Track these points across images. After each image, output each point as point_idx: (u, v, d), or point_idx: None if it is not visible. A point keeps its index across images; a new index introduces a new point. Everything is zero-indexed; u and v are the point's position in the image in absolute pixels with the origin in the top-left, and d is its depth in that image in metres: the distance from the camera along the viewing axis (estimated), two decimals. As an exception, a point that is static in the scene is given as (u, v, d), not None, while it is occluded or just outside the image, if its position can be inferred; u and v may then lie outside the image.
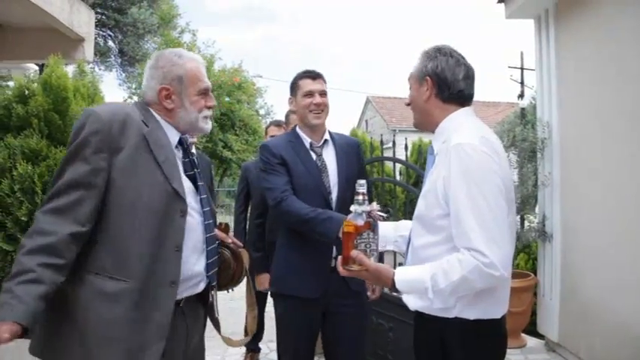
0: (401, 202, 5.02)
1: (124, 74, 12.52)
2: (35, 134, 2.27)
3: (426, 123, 1.69)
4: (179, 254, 1.48)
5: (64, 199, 1.38)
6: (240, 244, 1.80)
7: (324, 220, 2.08)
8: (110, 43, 12.06)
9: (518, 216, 4.69)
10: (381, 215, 1.60)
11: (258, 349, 3.88)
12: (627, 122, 3.10)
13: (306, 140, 2.33)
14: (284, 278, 2.29)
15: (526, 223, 4.54)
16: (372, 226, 1.52)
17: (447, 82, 1.59)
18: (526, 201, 4.20)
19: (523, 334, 4.19)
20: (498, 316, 1.55)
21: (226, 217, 10.24)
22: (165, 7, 12.19)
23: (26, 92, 2.42)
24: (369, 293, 2.20)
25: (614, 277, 3.20)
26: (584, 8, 3.58)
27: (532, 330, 4.22)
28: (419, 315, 1.59)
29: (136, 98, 12.24)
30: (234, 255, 1.77)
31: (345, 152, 2.36)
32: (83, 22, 3.30)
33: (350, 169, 2.31)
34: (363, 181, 1.55)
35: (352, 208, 1.52)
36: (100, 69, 12.11)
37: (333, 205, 2.24)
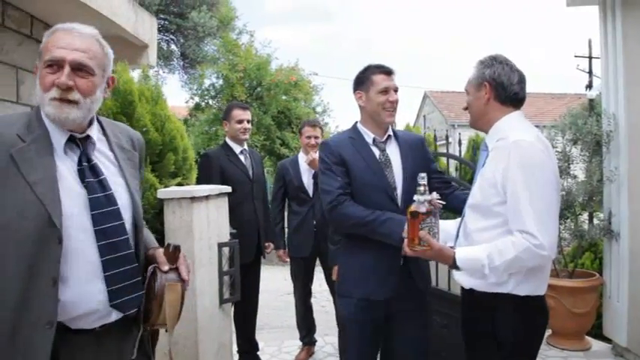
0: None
1: (185, 76, 13.03)
2: (105, 136, 2.45)
3: (482, 123, 1.90)
4: (55, 289, 1.22)
5: None
6: (185, 275, 1.44)
7: (385, 222, 2.07)
8: (172, 46, 12.61)
9: (586, 213, 4.49)
10: (440, 203, 1.80)
11: (314, 342, 3.97)
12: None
13: (369, 136, 2.26)
14: (352, 280, 2.25)
15: (594, 221, 4.32)
16: (433, 213, 1.75)
17: (503, 86, 1.81)
18: (591, 197, 4.02)
19: (587, 337, 4.02)
20: (542, 293, 1.78)
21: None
22: (224, 9, 12.56)
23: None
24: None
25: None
26: (654, -7, 3.37)
27: (598, 333, 4.04)
28: (469, 294, 1.84)
29: (197, 99, 12.73)
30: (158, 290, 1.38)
31: (410, 148, 2.29)
32: (147, 29, 3.51)
33: (416, 165, 2.22)
34: (423, 174, 1.80)
35: (415, 197, 1.76)
36: (163, 72, 12.68)
37: (399, 201, 2.18)
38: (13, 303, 1.19)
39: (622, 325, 3.67)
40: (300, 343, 3.94)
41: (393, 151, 2.28)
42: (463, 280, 1.84)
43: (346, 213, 2.14)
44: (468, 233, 1.84)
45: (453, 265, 1.75)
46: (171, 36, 11.98)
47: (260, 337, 3.83)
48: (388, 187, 2.18)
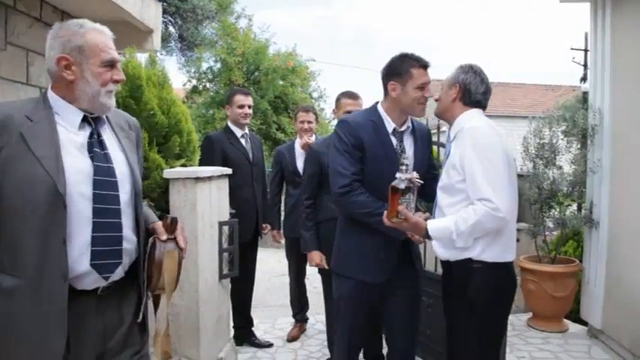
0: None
1: (183, 59, 13.05)
2: (115, 118, 2.57)
3: (445, 116, 2.20)
4: (65, 248, 1.41)
5: None
6: (182, 244, 1.59)
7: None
8: (171, 28, 12.58)
9: (575, 204, 4.66)
10: (418, 181, 1.98)
11: (306, 320, 4.16)
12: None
13: (390, 124, 2.24)
14: (350, 261, 2.29)
15: (570, 210, 4.51)
16: (411, 190, 1.96)
17: (470, 92, 2.12)
18: (574, 187, 4.21)
19: (565, 320, 4.23)
20: (509, 260, 2.06)
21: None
22: (223, -8, 12.55)
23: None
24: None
25: (659, 266, 3.19)
26: (640, -7, 3.50)
27: (576, 317, 4.24)
28: (446, 266, 2.13)
29: (194, 82, 12.77)
30: (157, 257, 1.54)
31: (421, 139, 2.34)
32: (152, 15, 3.61)
33: (423, 156, 2.33)
34: (406, 155, 2.05)
35: (397, 175, 1.94)
36: (161, 54, 12.68)
37: None
38: (34, 260, 1.39)
39: (597, 308, 3.88)
40: (293, 320, 4.12)
41: (409, 143, 2.29)
42: (439, 251, 2.11)
43: (358, 201, 2.15)
44: (440, 210, 2.12)
45: (426, 235, 2.01)
46: (170, 18, 11.95)
47: (254, 314, 4.01)
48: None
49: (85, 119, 1.52)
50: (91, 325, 1.49)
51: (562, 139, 4.23)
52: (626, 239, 3.63)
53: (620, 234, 3.72)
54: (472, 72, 2.13)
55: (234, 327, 3.76)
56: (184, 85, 12.91)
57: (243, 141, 3.68)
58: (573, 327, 4.19)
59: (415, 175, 1.97)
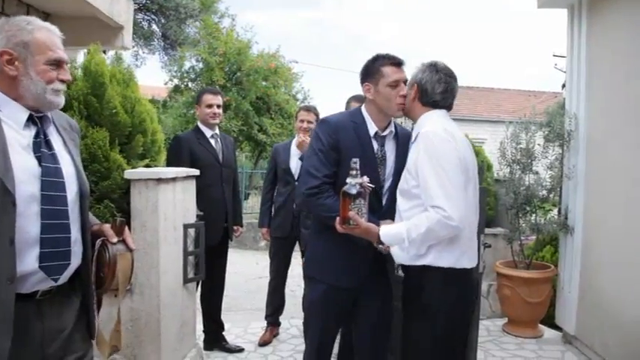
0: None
1: (166, 57, 12.89)
2: (75, 115, 2.47)
3: (409, 116, 2.18)
4: (13, 248, 1.36)
5: None
6: (132, 245, 1.60)
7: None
8: (154, 26, 12.42)
9: (556, 209, 4.66)
10: (369, 186, 1.93)
11: (279, 323, 4.08)
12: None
13: (372, 127, 2.18)
14: (323, 265, 2.25)
15: (550, 215, 4.52)
16: (362, 195, 1.90)
17: (426, 92, 2.06)
18: (550, 193, 4.21)
19: (540, 325, 4.22)
20: (465, 266, 1.99)
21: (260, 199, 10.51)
22: (206, -8, 12.42)
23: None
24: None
25: (632, 274, 3.18)
26: (616, -1, 3.52)
27: (551, 323, 4.24)
28: (405, 269, 2.07)
29: (176, 81, 12.62)
30: (111, 259, 1.54)
31: (402, 144, 2.23)
32: (122, 11, 3.51)
33: (403, 162, 2.17)
34: (356, 159, 1.90)
35: (347, 180, 1.89)
36: (143, 52, 12.51)
37: (383, 197, 2.19)
38: None
39: (571, 314, 3.87)
40: (265, 324, 4.02)
41: (390, 148, 2.23)
42: (396, 255, 2.06)
43: (326, 204, 2.11)
44: (399, 214, 2.07)
45: (378, 241, 1.96)
46: (153, 16, 11.80)
47: (227, 318, 3.92)
48: (377, 184, 2.11)
49: (30, 118, 1.48)
50: (30, 331, 1.44)
51: (539, 144, 4.22)
52: (599, 245, 3.63)
53: (593, 240, 3.72)
54: (430, 71, 2.06)
55: (204, 331, 3.68)
56: (166, 83, 12.76)
57: (212, 141, 3.59)
58: (548, 332, 4.18)
59: (366, 179, 1.92)
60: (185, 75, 12.30)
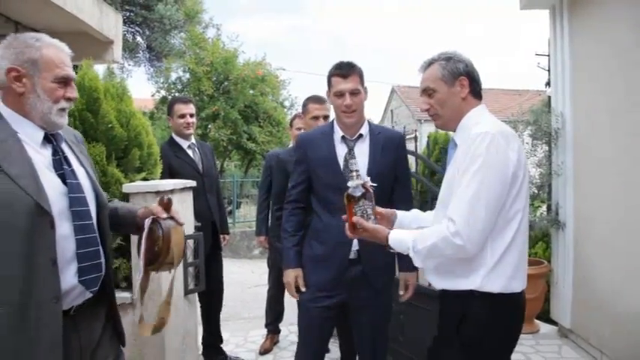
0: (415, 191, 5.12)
1: (152, 69, 12.89)
2: (71, 131, 2.49)
3: (455, 121, 1.80)
4: (56, 268, 1.39)
5: None
6: (181, 221, 1.63)
7: (289, 250, 2.34)
8: (138, 39, 12.44)
9: (545, 206, 4.73)
10: (372, 185, 1.84)
11: (279, 331, 4.08)
12: (639, 113, 3.12)
13: (339, 133, 2.28)
14: (308, 267, 2.32)
15: (540, 212, 4.60)
16: (366, 196, 1.82)
17: (477, 80, 1.78)
18: (540, 190, 4.28)
19: (536, 320, 4.28)
20: (518, 290, 1.70)
21: (252, 207, 10.53)
22: (190, 2, 12.46)
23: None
24: (400, 292, 2.35)
25: (624, 266, 3.26)
26: (596, -1, 3.61)
27: (546, 317, 4.30)
28: (442, 292, 1.80)
29: (163, 92, 12.59)
30: (165, 233, 1.57)
31: (381, 146, 2.27)
32: (112, 25, 3.53)
33: (383, 163, 2.25)
34: (354, 160, 1.91)
35: (349, 184, 1.82)
36: (129, 64, 12.50)
37: None
38: (18, 286, 1.32)
39: (566, 308, 3.94)
40: (265, 332, 4.02)
41: (363, 150, 2.26)
42: (432, 280, 1.81)
43: (285, 217, 2.36)
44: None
45: (387, 245, 1.79)
46: (137, 28, 11.81)
47: (226, 327, 3.93)
48: (344, 185, 2.17)
49: (45, 136, 1.49)
50: (69, 348, 1.45)
51: (527, 142, 4.30)
52: (591, 239, 3.70)
53: (585, 234, 3.79)
54: (462, 58, 1.79)
55: (202, 344, 3.65)
56: (153, 95, 12.74)
57: (190, 152, 3.47)
58: (544, 327, 4.24)
59: (367, 179, 1.85)
60: (172, 86, 12.29)
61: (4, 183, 1.33)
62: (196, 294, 3.16)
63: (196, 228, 2.96)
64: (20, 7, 2.93)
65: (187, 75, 11.76)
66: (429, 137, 5.13)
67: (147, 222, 1.58)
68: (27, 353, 1.33)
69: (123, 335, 1.69)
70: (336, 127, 2.30)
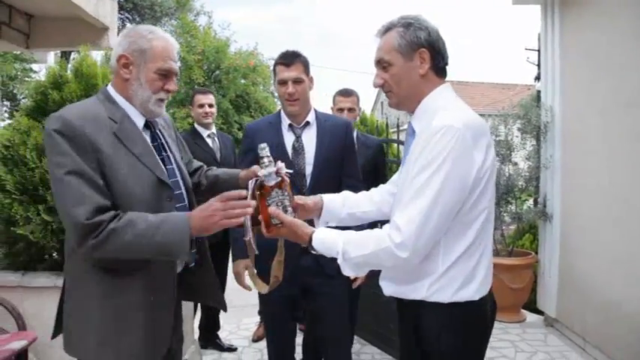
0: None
1: (142, 56, 12.76)
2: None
3: (413, 102, 1.50)
4: None
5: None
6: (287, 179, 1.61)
7: (238, 241, 2.26)
8: (128, 25, 12.30)
9: (532, 199, 4.83)
10: (287, 172, 1.56)
11: (271, 319, 4.13)
12: (626, 109, 3.19)
13: (286, 122, 2.32)
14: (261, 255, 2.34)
15: (527, 205, 4.69)
16: (281, 185, 1.52)
17: (441, 53, 1.47)
18: (529, 183, 4.37)
19: (523, 310, 4.39)
20: (476, 298, 1.43)
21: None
22: (182, -11, 12.36)
23: (60, 79, 2.66)
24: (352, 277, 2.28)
25: (607, 257, 3.35)
26: (587, -4, 3.67)
27: (533, 307, 4.42)
28: (397, 302, 1.57)
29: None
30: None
31: (328, 133, 2.32)
32: (107, 12, 3.52)
33: (331, 150, 2.29)
34: (263, 145, 1.52)
35: (259, 172, 1.51)
36: (119, 51, 12.38)
37: (307, 184, 2.24)
38: None
39: (552, 298, 4.05)
40: (258, 319, 4.07)
41: (310, 138, 2.30)
42: (382, 284, 1.58)
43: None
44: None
45: (309, 245, 1.47)
46: (128, 15, 11.68)
47: (220, 315, 3.97)
48: (296, 174, 2.18)
49: (145, 123, 1.60)
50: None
51: (517, 136, 4.38)
52: (577, 231, 3.80)
53: (571, 226, 3.89)
54: (426, 24, 1.46)
55: (199, 327, 3.72)
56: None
57: (209, 141, 3.63)
58: (530, 317, 4.35)
59: (280, 164, 1.52)
60: (162, 74, 12.20)
61: (130, 160, 1.47)
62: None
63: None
64: (17, -8, 2.90)
65: (179, 63, 11.70)
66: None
67: (250, 183, 1.56)
68: (152, 313, 1.52)
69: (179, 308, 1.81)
70: (283, 116, 2.34)
